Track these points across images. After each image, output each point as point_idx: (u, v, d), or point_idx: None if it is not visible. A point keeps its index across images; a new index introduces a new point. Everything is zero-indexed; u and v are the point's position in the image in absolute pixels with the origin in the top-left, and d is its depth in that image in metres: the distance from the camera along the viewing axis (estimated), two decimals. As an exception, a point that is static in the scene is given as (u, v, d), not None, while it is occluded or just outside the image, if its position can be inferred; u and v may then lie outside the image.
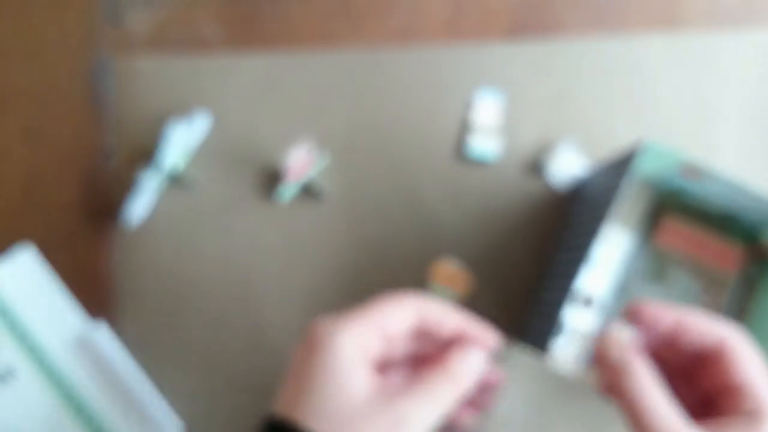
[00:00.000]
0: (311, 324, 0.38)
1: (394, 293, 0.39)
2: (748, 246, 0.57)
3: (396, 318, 0.38)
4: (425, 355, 0.40)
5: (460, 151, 0.61)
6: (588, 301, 0.55)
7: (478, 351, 0.39)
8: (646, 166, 0.52)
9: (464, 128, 0.61)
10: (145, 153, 0.61)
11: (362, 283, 0.60)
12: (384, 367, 0.40)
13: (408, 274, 0.60)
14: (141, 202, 0.58)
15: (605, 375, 0.40)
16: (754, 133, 0.61)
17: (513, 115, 0.61)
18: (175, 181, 0.61)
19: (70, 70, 0.62)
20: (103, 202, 0.61)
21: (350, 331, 0.36)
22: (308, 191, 0.61)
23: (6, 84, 0.62)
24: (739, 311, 0.58)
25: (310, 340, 0.37)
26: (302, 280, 0.60)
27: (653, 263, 0.59)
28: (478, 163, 0.61)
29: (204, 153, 0.61)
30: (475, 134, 0.61)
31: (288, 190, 0.59)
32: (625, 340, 0.40)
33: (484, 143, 0.61)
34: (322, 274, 0.60)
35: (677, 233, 0.57)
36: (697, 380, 0.41)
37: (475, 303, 0.60)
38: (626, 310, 0.41)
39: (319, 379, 0.35)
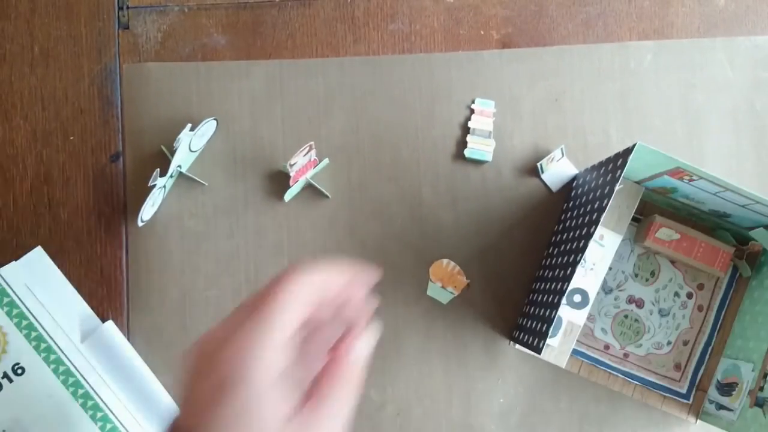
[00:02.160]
0: (214, 361, 0.35)
1: (279, 285, 0.36)
2: (737, 246, 0.58)
3: (293, 316, 0.35)
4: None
5: (458, 155, 0.62)
6: (581, 300, 0.56)
7: (361, 343, 0.38)
8: (638, 168, 0.53)
9: (462, 132, 0.63)
10: (153, 155, 0.62)
11: (363, 282, 0.61)
12: None
13: (407, 273, 0.61)
14: (150, 203, 0.59)
15: None
16: (744, 139, 0.63)
17: (508, 120, 0.63)
18: (183, 182, 0.62)
19: (80, 74, 0.63)
20: (112, 203, 0.62)
21: (261, 360, 0.33)
22: (311, 191, 0.62)
23: (17, 88, 0.63)
24: (729, 311, 0.59)
25: (219, 375, 0.34)
26: (305, 279, 0.61)
27: (644, 263, 0.60)
28: (476, 167, 0.62)
29: (211, 155, 0.63)
30: (472, 139, 0.62)
31: (291, 190, 0.61)
32: None
33: (481, 147, 0.62)
34: (324, 273, 0.61)
35: (668, 233, 0.58)
36: None
37: (472, 301, 0.61)
38: None
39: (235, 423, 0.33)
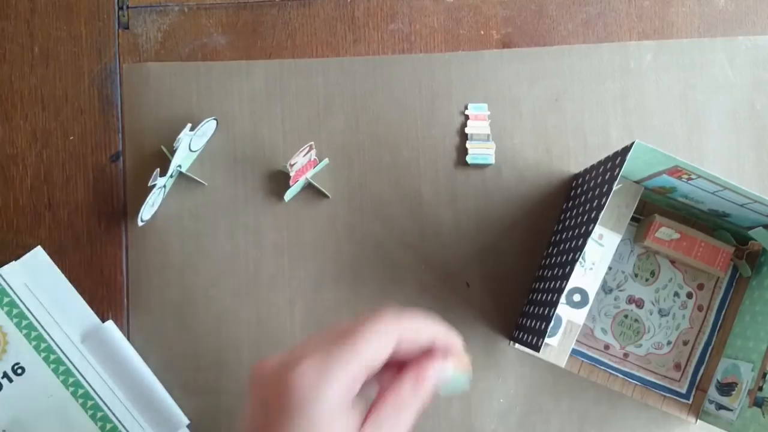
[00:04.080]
0: (288, 374, 0.33)
1: (372, 317, 0.36)
2: (737, 246, 0.58)
3: (380, 348, 0.36)
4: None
5: (457, 154, 0.63)
6: (580, 299, 0.56)
7: (441, 366, 0.38)
8: (636, 167, 0.53)
9: (461, 132, 0.63)
10: (153, 155, 0.62)
11: (363, 281, 0.61)
12: None
13: (406, 273, 0.61)
14: (150, 203, 0.59)
15: None
16: (744, 139, 0.63)
17: (508, 120, 0.63)
18: (183, 182, 0.62)
19: (81, 74, 0.63)
20: (112, 203, 0.62)
21: (338, 382, 0.33)
22: (311, 191, 0.62)
23: (18, 88, 0.63)
24: (728, 310, 0.59)
25: (291, 397, 0.33)
26: (305, 278, 0.61)
27: (644, 263, 0.60)
28: (475, 167, 0.62)
29: (211, 155, 0.63)
30: (472, 144, 0.62)
31: (291, 190, 0.61)
32: None
33: (482, 151, 0.62)
34: (324, 271, 0.61)
35: (667, 233, 0.58)
36: None
37: (472, 301, 0.61)
38: None
39: None
